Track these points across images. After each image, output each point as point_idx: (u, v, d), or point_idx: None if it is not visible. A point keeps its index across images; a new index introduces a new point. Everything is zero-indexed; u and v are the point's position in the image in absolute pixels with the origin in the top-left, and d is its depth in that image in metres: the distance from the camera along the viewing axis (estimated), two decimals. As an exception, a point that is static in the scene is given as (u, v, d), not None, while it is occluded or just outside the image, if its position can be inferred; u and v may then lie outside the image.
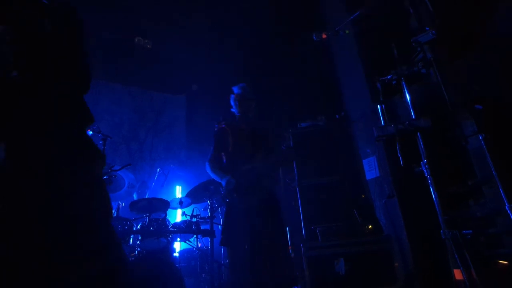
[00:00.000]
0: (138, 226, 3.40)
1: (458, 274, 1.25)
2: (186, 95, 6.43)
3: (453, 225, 1.21)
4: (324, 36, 2.34)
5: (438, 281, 2.37)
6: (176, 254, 3.94)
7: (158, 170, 4.41)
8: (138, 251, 3.30)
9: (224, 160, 2.85)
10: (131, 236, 3.35)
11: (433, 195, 1.24)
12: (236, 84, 3.13)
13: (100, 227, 1.12)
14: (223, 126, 2.96)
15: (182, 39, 4.93)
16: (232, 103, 3.08)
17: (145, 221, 3.34)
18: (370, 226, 3.15)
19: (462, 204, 1.74)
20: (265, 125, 3.16)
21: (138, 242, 3.28)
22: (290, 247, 3.68)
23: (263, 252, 2.52)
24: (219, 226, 4.07)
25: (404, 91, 1.45)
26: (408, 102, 1.42)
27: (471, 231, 1.25)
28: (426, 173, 1.28)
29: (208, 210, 3.61)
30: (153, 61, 5.15)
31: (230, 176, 2.65)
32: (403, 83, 1.46)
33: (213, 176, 2.84)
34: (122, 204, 3.87)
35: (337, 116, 3.68)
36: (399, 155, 1.39)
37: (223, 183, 2.67)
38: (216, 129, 3.00)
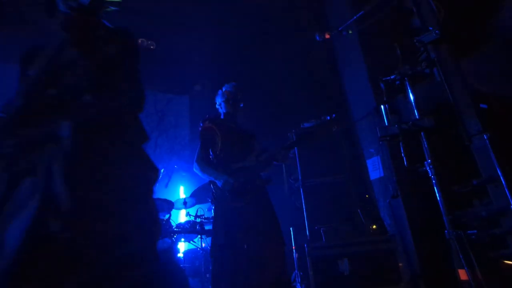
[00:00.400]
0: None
1: (463, 275, 1.24)
2: (189, 95, 6.45)
3: (458, 225, 1.20)
4: (327, 36, 2.34)
5: (443, 282, 2.36)
6: (180, 255, 3.95)
7: (161, 170, 4.43)
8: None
9: (213, 159, 2.81)
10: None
11: (437, 194, 1.24)
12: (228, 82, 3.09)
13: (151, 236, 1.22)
14: (210, 124, 2.91)
15: (185, 39, 4.95)
16: (220, 99, 3.03)
17: (149, 222, 3.35)
18: (374, 226, 3.14)
19: (466, 204, 1.73)
20: (250, 126, 3.13)
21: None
22: (294, 247, 3.68)
23: (258, 252, 2.49)
24: (223, 226, 4.08)
25: (408, 91, 1.45)
26: (411, 102, 1.42)
27: (475, 231, 1.24)
28: (430, 172, 1.27)
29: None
30: (156, 61, 5.17)
31: (227, 176, 2.61)
32: (407, 83, 1.46)
33: (204, 175, 2.78)
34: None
35: (327, 117, 3.65)
36: (403, 155, 1.39)
37: (219, 183, 2.62)
38: (201, 127, 2.95)
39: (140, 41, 4.76)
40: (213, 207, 2.77)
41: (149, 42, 4.96)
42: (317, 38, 2.44)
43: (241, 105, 2.98)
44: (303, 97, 4.35)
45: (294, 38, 4.39)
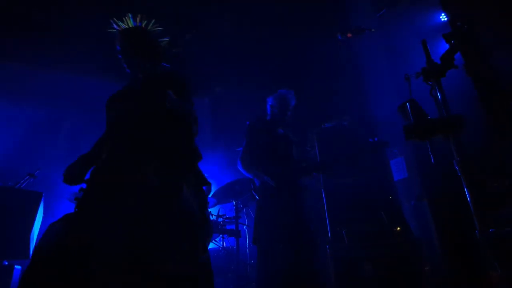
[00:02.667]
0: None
1: (495, 278, 1.20)
2: (210, 98, 6.53)
3: (489, 226, 1.16)
4: (349, 35, 2.32)
5: (472, 286, 2.27)
6: (202, 254, 4.00)
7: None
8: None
9: (256, 159, 2.85)
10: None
11: (467, 194, 1.20)
12: (270, 89, 3.12)
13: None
14: (256, 125, 2.96)
15: (205, 41, 5.02)
16: (272, 102, 3.06)
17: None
18: (398, 228, 3.07)
19: (498, 204, 1.66)
20: (295, 134, 3.17)
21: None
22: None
23: (294, 253, 2.53)
24: (245, 226, 4.12)
25: (435, 87, 1.42)
26: (439, 99, 1.38)
27: (509, 230, 1.19)
28: (459, 171, 1.24)
29: (234, 210, 3.66)
30: (177, 64, 5.27)
31: (270, 178, 2.66)
32: (433, 79, 1.43)
33: (246, 174, 2.84)
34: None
35: (345, 123, 3.62)
36: (430, 153, 1.35)
37: (258, 182, 2.68)
38: (248, 126, 3.00)
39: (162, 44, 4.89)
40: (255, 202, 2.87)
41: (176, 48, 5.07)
42: (339, 37, 2.42)
43: (289, 113, 3.03)
44: (324, 96, 4.32)
45: (315, 38, 4.36)
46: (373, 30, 2.24)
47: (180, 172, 1.47)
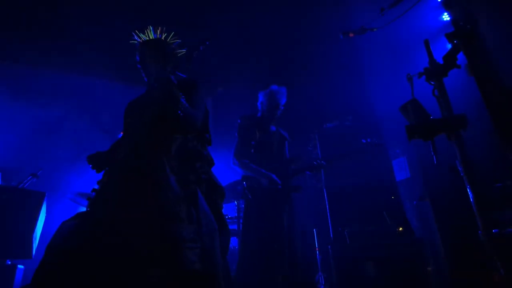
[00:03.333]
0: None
1: (498, 278, 1.19)
2: (212, 97, 6.53)
3: (492, 226, 1.16)
4: (351, 34, 2.31)
5: (475, 286, 2.26)
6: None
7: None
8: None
9: (248, 156, 2.83)
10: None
11: (470, 195, 1.20)
12: (265, 85, 3.11)
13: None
14: (247, 122, 2.95)
15: (207, 42, 5.03)
16: (262, 98, 3.05)
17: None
18: (400, 229, 3.06)
19: (502, 204, 1.66)
20: (289, 132, 3.15)
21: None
22: (317, 249, 3.65)
23: (282, 251, 2.52)
24: (246, 226, 4.11)
25: (437, 87, 1.41)
26: (441, 99, 1.38)
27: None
28: (461, 172, 1.23)
29: (236, 210, 3.65)
30: (179, 64, 5.28)
31: (275, 175, 2.65)
32: (436, 79, 1.42)
33: (242, 171, 2.83)
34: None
35: (347, 123, 3.62)
36: (432, 153, 1.35)
37: (265, 181, 2.66)
38: (239, 124, 2.98)
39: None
40: (243, 201, 2.85)
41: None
42: (341, 37, 2.41)
43: (279, 111, 3.01)
44: (326, 96, 4.31)
45: (317, 38, 4.36)
46: (375, 29, 2.24)
47: (191, 175, 1.53)
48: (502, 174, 2.03)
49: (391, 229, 3.03)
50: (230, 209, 4.23)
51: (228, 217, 3.78)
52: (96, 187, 1.54)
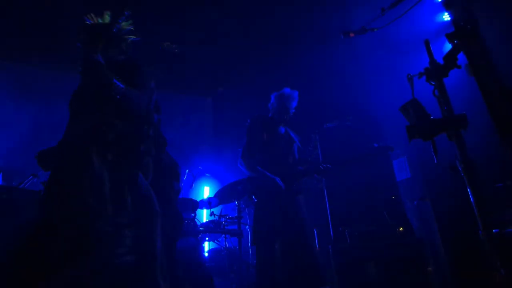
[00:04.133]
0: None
1: (499, 278, 1.19)
2: (212, 97, 6.54)
3: (493, 226, 1.16)
4: (351, 35, 2.31)
5: (475, 286, 2.26)
6: (205, 254, 4.01)
7: (186, 171, 4.52)
8: (168, 250, 3.39)
9: (257, 158, 2.83)
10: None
11: (470, 195, 1.20)
12: (279, 88, 3.10)
13: None
14: (257, 123, 2.94)
15: (209, 42, 5.03)
16: (275, 101, 3.03)
17: (176, 221, 3.42)
18: (401, 229, 3.06)
19: (502, 205, 1.65)
20: (298, 134, 3.16)
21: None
22: (318, 249, 3.64)
23: (292, 252, 2.53)
24: (247, 226, 4.12)
25: (438, 87, 1.41)
26: (442, 98, 1.38)
27: (512, 231, 1.19)
28: (462, 172, 1.23)
29: (236, 210, 3.66)
30: (181, 64, 5.28)
31: (280, 179, 2.65)
32: (436, 79, 1.42)
33: (248, 172, 2.82)
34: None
35: (347, 123, 3.61)
36: (433, 153, 1.35)
37: (269, 184, 2.66)
38: (249, 124, 2.97)
39: (165, 45, 4.89)
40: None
41: (174, 46, 5.09)
42: (342, 37, 2.42)
43: (292, 111, 3.01)
44: (326, 96, 4.31)
45: (316, 38, 4.36)
46: (375, 29, 2.24)
47: (131, 162, 1.50)
48: (502, 174, 2.03)
49: (391, 229, 3.03)
50: (230, 209, 4.24)
51: (229, 217, 3.78)
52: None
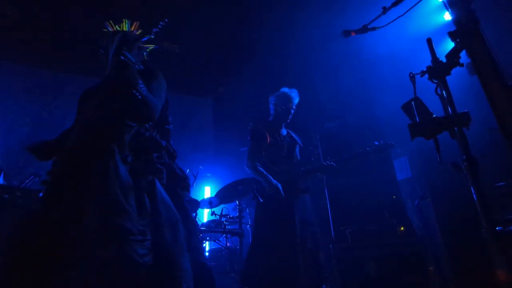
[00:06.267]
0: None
1: (502, 276, 1.19)
2: (213, 97, 6.54)
3: (495, 224, 1.16)
4: (353, 33, 2.30)
5: (477, 285, 2.26)
6: (205, 253, 4.01)
7: (187, 171, 4.52)
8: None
9: (261, 161, 2.84)
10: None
11: (473, 193, 1.20)
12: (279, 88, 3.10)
13: None
14: (259, 126, 2.95)
15: (209, 43, 5.03)
16: (276, 102, 3.03)
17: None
18: (402, 228, 3.06)
19: (504, 203, 1.65)
20: (299, 134, 3.16)
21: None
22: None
23: (295, 252, 2.53)
24: (248, 226, 4.12)
25: (440, 85, 1.41)
26: (444, 96, 1.38)
27: (516, 228, 1.19)
28: (465, 170, 1.23)
29: (237, 210, 3.66)
30: (181, 64, 5.29)
31: (277, 182, 2.65)
32: (439, 77, 1.42)
33: (254, 175, 2.82)
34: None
35: (348, 122, 3.61)
36: (436, 152, 1.35)
37: (267, 185, 2.67)
38: (251, 127, 2.98)
39: (165, 45, 4.88)
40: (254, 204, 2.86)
41: (174, 46, 5.09)
42: (343, 36, 2.41)
43: (293, 110, 3.01)
44: (326, 96, 4.31)
45: (317, 37, 4.36)
46: (377, 28, 2.23)
47: (147, 165, 1.49)
48: (505, 172, 2.03)
49: (392, 229, 3.03)
50: (231, 209, 4.24)
51: (230, 216, 3.78)
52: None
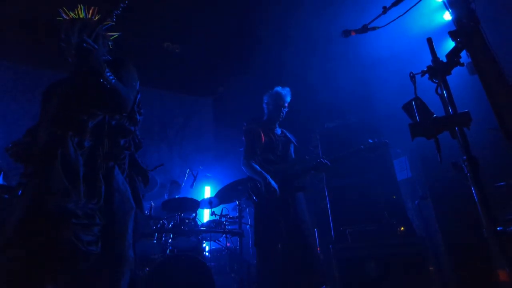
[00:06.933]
0: (170, 225, 3.49)
1: (503, 276, 1.19)
2: (213, 97, 6.54)
3: (496, 224, 1.15)
4: (353, 33, 2.30)
5: (478, 285, 2.26)
6: (206, 253, 4.00)
7: (187, 171, 4.52)
8: (169, 249, 3.38)
9: (256, 161, 2.86)
10: (163, 235, 3.44)
11: (474, 192, 1.20)
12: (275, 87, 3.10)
13: None
14: (253, 125, 2.97)
15: (209, 42, 5.02)
16: (268, 101, 3.04)
17: (177, 220, 3.41)
18: (402, 228, 3.05)
19: (505, 203, 1.65)
20: (294, 133, 3.16)
21: (170, 241, 3.36)
22: (318, 248, 3.64)
23: (293, 252, 2.53)
24: (248, 226, 4.11)
25: (440, 85, 1.41)
26: (444, 96, 1.37)
27: (517, 228, 1.18)
28: (466, 169, 1.23)
29: (237, 210, 3.65)
30: (181, 64, 5.28)
31: (274, 182, 2.65)
32: (439, 77, 1.42)
33: (251, 174, 2.82)
34: (153, 204, 3.99)
35: (349, 122, 3.61)
36: (436, 152, 1.34)
37: (263, 185, 2.67)
38: (245, 127, 3.00)
39: (165, 45, 4.88)
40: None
41: (174, 46, 5.08)
42: (343, 36, 2.40)
43: (285, 110, 3.01)
44: (327, 96, 4.31)
45: (317, 37, 4.36)
46: (377, 28, 2.23)
47: (108, 153, 1.49)
48: (505, 172, 2.03)
49: (392, 229, 3.02)
50: (231, 209, 4.23)
51: (229, 216, 3.77)
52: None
